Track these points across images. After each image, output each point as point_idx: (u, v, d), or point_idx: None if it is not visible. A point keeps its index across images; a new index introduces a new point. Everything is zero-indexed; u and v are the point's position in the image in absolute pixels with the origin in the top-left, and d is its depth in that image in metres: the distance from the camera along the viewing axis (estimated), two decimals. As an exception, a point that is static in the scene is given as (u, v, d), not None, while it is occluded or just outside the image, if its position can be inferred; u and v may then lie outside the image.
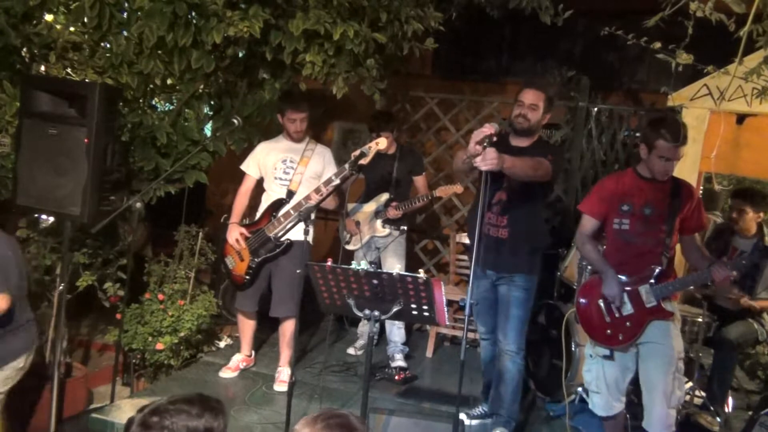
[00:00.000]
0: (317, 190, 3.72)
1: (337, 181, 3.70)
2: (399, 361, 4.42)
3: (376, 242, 4.54)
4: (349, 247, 4.53)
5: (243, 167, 4.04)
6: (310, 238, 3.68)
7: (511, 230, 3.28)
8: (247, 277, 3.94)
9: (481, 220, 2.71)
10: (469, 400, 3.78)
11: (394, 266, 4.38)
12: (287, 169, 3.94)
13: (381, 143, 3.60)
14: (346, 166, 3.60)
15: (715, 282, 2.94)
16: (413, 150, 4.87)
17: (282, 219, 3.83)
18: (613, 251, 3.10)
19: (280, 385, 3.91)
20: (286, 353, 4.04)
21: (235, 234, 3.90)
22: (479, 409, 3.72)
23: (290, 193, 3.91)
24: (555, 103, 3.26)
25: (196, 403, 1.57)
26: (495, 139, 2.81)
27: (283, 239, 3.86)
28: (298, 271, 3.78)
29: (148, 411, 1.55)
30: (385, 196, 4.47)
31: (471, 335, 3.95)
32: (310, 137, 4.11)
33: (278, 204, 3.90)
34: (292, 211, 3.80)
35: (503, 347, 3.36)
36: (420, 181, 4.60)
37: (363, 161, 3.55)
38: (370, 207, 4.51)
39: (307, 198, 3.73)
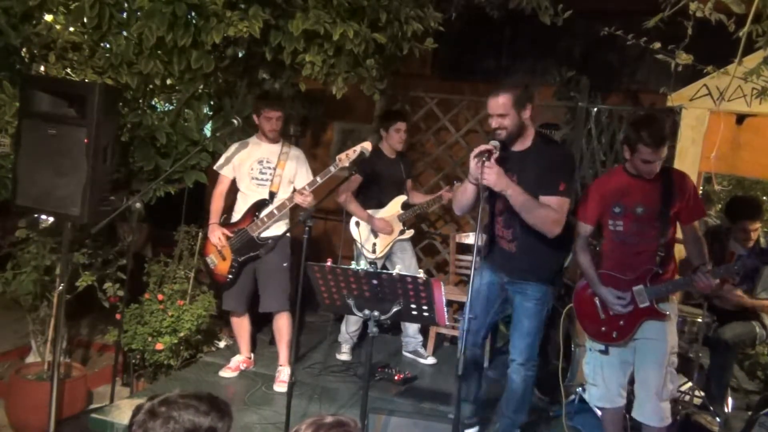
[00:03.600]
0: (301, 192, 3.74)
1: (320, 182, 3.73)
2: (430, 359, 4.57)
3: (402, 246, 4.51)
4: (377, 256, 4.38)
5: (217, 168, 4.02)
6: (288, 233, 3.79)
7: (519, 243, 3.16)
8: (230, 276, 3.95)
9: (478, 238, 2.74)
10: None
11: (413, 266, 4.46)
12: (264, 170, 3.95)
13: (366, 146, 3.62)
14: (331, 168, 3.65)
15: (698, 289, 2.93)
16: (404, 153, 4.89)
17: (265, 219, 3.86)
18: (610, 251, 3.11)
19: (280, 386, 3.91)
20: (284, 352, 4.04)
21: (217, 233, 3.90)
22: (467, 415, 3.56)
23: (272, 195, 3.92)
24: (529, 92, 2.96)
25: (204, 401, 1.61)
26: (495, 154, 2.81)
27: (265, 238, 3.88)
28: (284, 264, 3.81)
29: (158, 401, 1.59)
30: (402, 199, 4.47)
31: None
32: (285, 138, 4.11)
33: (260, 204, 3.91)
34: (275, 212, 3.83)
35: (510, 357, 3.26)
36: (410, 183, 4.66)
37: (346, 162, 3.57)
38: (390, 211, 4.44)
39: (290, 199, 3.76)
